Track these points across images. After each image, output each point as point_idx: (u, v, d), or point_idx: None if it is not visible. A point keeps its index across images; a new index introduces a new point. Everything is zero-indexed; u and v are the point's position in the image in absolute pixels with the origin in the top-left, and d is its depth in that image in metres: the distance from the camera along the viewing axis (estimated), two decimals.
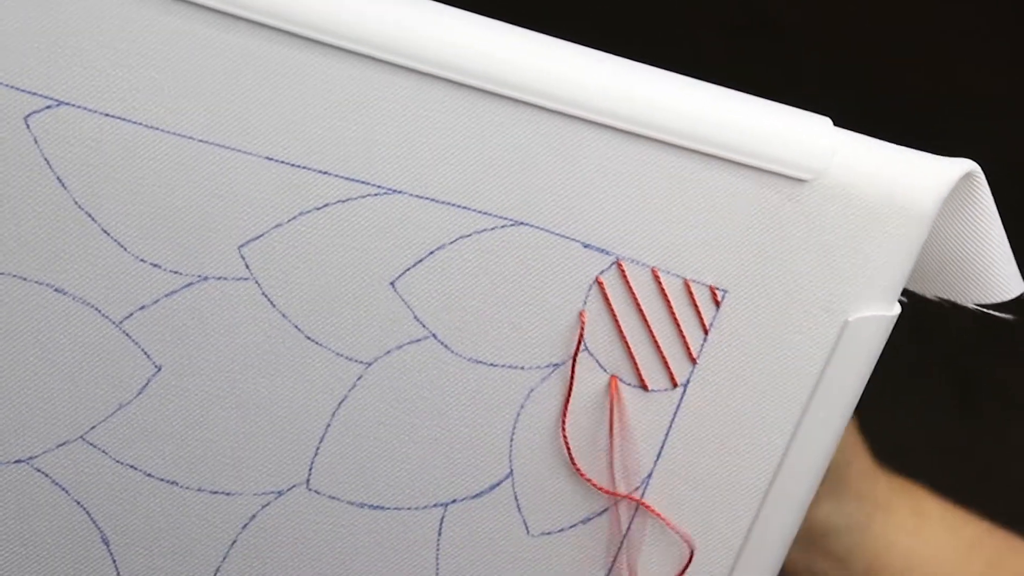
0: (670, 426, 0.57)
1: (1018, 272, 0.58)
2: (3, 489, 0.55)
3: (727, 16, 2.04)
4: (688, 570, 0.58)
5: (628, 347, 0.56)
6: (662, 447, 0.57)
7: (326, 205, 0.53)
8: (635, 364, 0.56)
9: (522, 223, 0.54)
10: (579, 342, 0.55)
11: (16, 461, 0.55)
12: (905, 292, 0.58)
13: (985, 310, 0.59)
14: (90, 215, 0.52)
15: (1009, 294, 0.58)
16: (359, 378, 0.55)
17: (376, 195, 0.53)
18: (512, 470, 0.57)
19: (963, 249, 0.57)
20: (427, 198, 0.53)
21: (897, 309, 0.56)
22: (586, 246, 0.54)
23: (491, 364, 0.55)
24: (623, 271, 0.55)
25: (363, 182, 0.53)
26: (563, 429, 0.56)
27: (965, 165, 0.55)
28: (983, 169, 0.56)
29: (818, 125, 0.54)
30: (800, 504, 0.58)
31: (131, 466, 0.55)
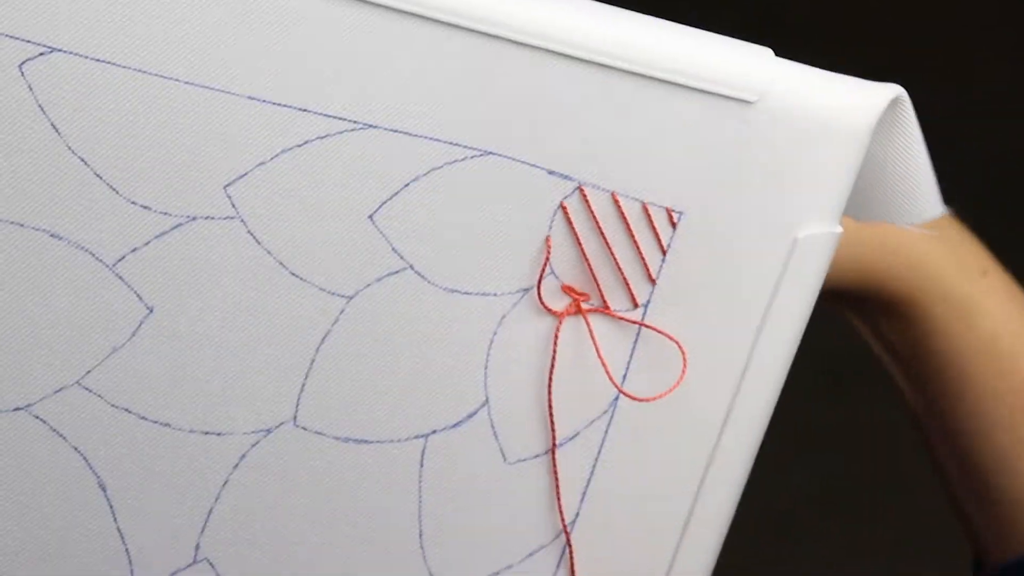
0: (633, 346, 0.60)
1: (939, 195, 0.63)
2: (3, 438, 0.57)
3: (728, 15, 2.10)
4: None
5: (591, 269, 0.59)
6: (627, 368, 0.60)
7: (306, 142, 0.56)
8: (598, 286, 0.59)
9: (490, 152, 0.57)
10: (544, 266, 0.59)
11: (15, 409, 0.57)
12: None
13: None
14: (83, 160, 0.55)
15: (932, 215, 0.63)
16: (341, 312, 0.58)
17: (352, 130, 0.56)
18: (488, 398, 0.60)
19: (893, 171, 0.61)
20: (400, 131, 0.56)
21: (840, 228, 0.60)
22: (551, 173, 0.58)
23: (465, 292, 0.59)
24: (585, 196, 0.58)
25: (340, 118, 0.56)
26: (549, 387, 0.60)
27: (895, 89, 0.59)
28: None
29: (759, 52, 0.58)
30: (761, 417, 0.62)
31: (125, 409, 0.57)
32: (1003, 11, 2.29)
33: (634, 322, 0.60)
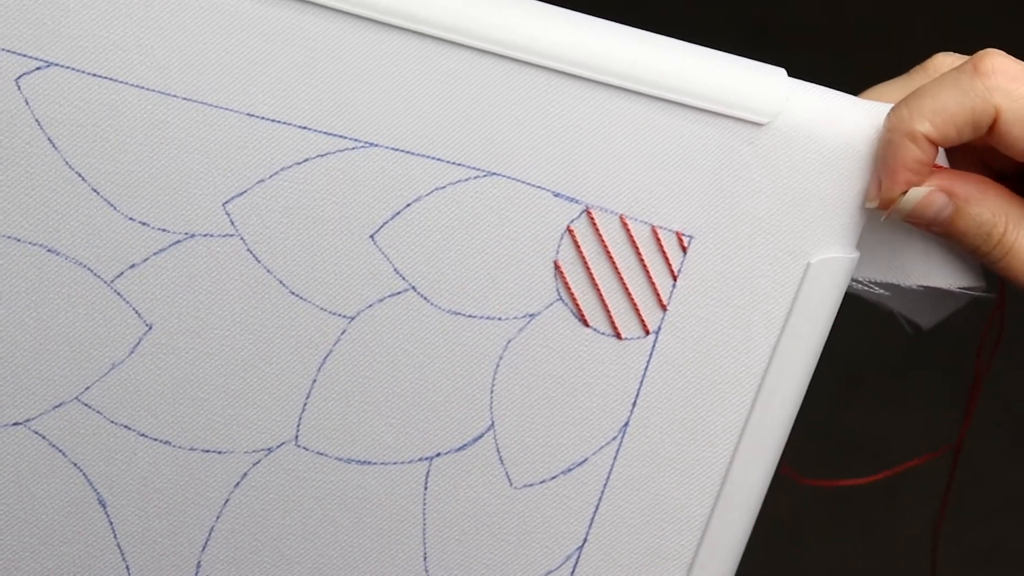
0: (644, 373, 0.59)
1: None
2: (2, 453, 0.57)
3: (728, 15, 2.08)
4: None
5: (600, 295, 0.58)
6: (637, 394, 0.59)
7: (306, 160, 0.55)
8: (608, 312, 0.58)
9: (494, 173, 0.56)
10: (568, 288, 0.57)
11: (14, 424, 0.57)
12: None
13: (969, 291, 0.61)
14: (80, 175, 0.54)
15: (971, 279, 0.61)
16: (343, 332, 0.57)
17: (353, 149, 0.55)
18: (493, 422, 0.59)
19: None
20: (402, 150, 0.55)
21: (857, 253, 0.58)
22: (556, 195, 0.57)
23: (469, 315, 0.58)
24: (592, 219, 0.57)
25: (340, 136, 0.55)
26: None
27: None
28: None
29: (772, 72, 0.57)
30: (774, 446, 0.60)
31: (125, 426, 0.57)
32: (1004, 11, 2.24)
33: None
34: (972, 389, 0.65)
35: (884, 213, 0.57)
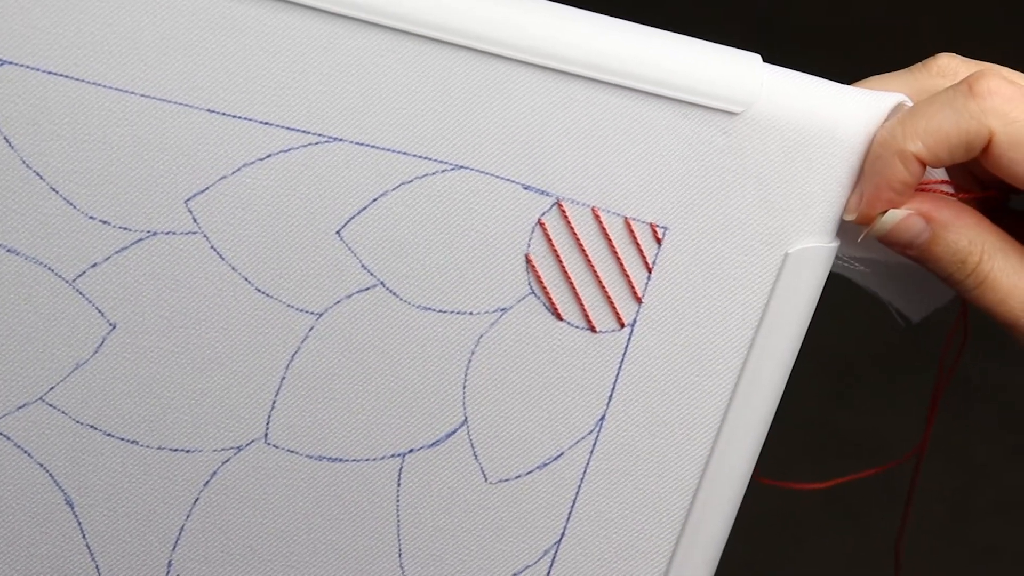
0: (620, 366, 0.58)
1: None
2: None
3: (728, 16, 2.06)
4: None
5: (574, 289, 0.57)
6: (613, 388, 0.58)
7: (269, 156, 0.54)
8: (582, 306, 0.57)
9: (462, 167, 0.55)
10: (540, 282, 0.56)
11: None
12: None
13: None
14: (38, 173, 0.53)
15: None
16: (311, 329, 0.56)
17: (317, 143, 0.54)
18: (466, 417, 0.58)
19: None
20: (367, 145, 0.54)
21: (836, 242, 0.57)
22: (526, 187, 0.55)
23: (439, 310, 0.56)
24: (564, 212, 0.56)
25: (303, 131, 0.54)
26: None
27: (895, 96, 0.56)
28: None
29: (746, 59, 0.55)
30: (754, 439, 0.59)
31: (91, 426, 0.56)
32: (1009, 10, 2.22)
33: None
34: (935, 394, 0.64)
35: (862, 230, 0.55)
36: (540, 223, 0.56)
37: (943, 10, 2.18)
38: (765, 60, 0.56)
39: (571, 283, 0.57)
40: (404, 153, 0.54)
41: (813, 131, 0.55)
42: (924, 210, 0.55)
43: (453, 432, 0.58)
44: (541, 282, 0.56)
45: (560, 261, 0.56)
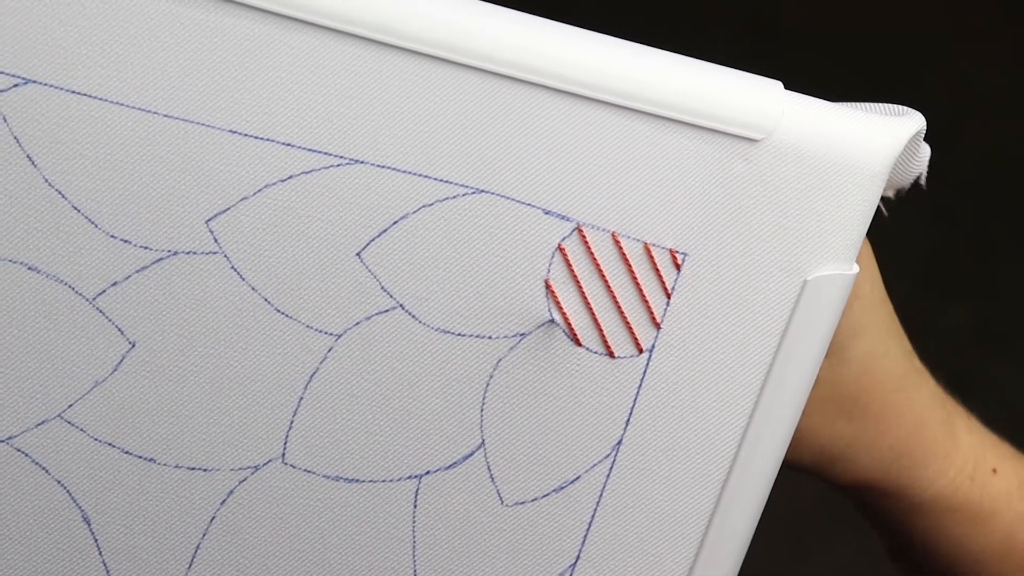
0: (637, 392, 0.58)
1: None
2: None
3: (727, 16, 2.06)
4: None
5: (593, 314, 0.57)
6: (631, 413, 0.58)
7: (290, 177, 0.54)
8: (600, 331, 0.57)
9: (483, 191, 0.55)
10: (560, 307, 0.56)
11: None
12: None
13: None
14: (61, 192, 0.53)
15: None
16: (329, 350, 0.56)
17: (339, 166, 0.54)
18: (484, 440, 0.58)
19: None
20: (389, 167, 0.54)
21: (856, 268, 0.57)
22: (547, 212, 0.55)
23: (458, 334, 0.57)
24: (584, 237, 0.56)
25: (325, 153, 0.54)
26: None
27: (916, 122, 0.56)
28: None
29: (768, 86, 0.55)
30: (771, 463, 0.59)
31: (109, 444, 0.56)
32: (1003, 15, 2.22)
33: None
34: None
35: None
36: (560, 248, 0.56)
37: (938, 15, 2.18)
38: (757, 67, 0.56)
39: (590, 309, 0.57)
40: (425, 176, 0.54)
41: (833, 158, 0.55)
42: None
43: (470, 455, 0.58)
44: (561, 308, 0.56)
45: (580, 287, 0.56)
